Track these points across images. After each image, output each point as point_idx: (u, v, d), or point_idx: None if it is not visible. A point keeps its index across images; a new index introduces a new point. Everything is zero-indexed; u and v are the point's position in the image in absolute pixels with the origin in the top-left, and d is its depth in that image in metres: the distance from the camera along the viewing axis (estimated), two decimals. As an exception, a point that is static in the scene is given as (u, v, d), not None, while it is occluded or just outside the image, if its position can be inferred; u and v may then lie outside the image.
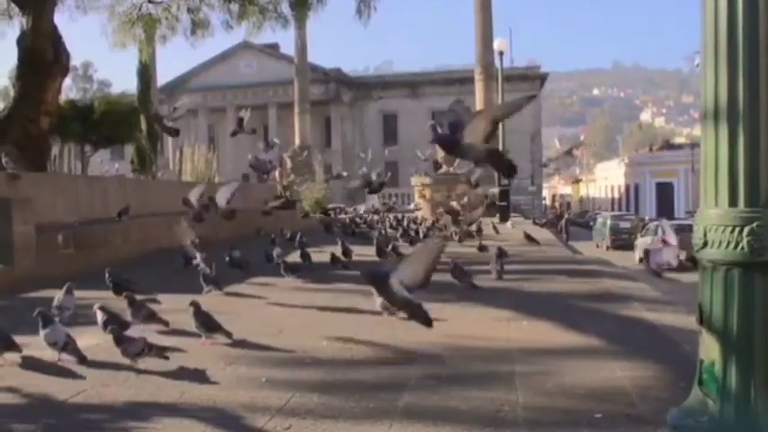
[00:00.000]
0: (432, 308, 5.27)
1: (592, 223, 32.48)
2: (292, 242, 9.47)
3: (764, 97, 2.24)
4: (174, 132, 8.22)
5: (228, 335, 4.11)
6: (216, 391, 3.22)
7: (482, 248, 8.46)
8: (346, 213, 19.68)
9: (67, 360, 3.70)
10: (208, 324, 4.10)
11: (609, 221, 29.73)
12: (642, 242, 22.48)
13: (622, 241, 26.34)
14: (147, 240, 9.60)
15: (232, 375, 3.51)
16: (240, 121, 9.17)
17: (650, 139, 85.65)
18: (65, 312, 4.53)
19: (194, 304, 4.20)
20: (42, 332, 3.73)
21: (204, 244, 6.69)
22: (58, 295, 4.65)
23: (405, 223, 14.45)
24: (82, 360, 3.70)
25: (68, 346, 3.69)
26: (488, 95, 26.31)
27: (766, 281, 2.25)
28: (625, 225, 28.91)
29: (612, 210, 45.47)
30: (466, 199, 14.19)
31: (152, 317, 4.48)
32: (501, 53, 20.15)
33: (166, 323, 4.50)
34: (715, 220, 2.31)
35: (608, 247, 24.17)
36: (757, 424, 2.24)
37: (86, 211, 9.22)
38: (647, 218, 31.38)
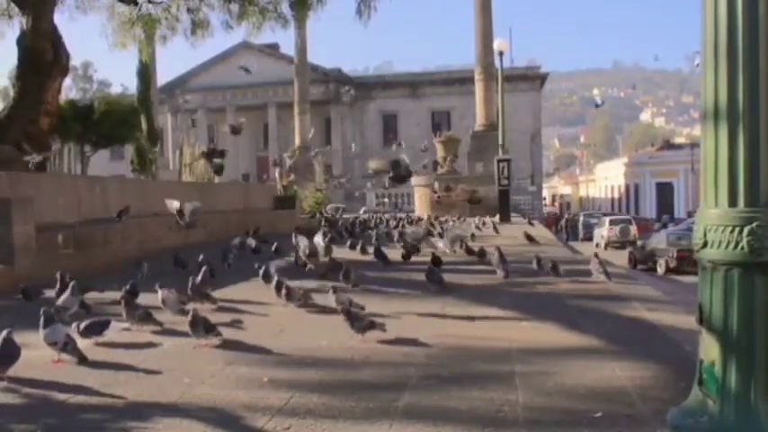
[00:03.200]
0: (432, 308, 5.32)
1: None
2: (257, 253, 8.81)
3: (764, 97, 2.24)
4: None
5: (218, 335, 4.11)
6: (216, 391, 3.22)
7: (481, 254, 8.44)
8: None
9: (67, 360, 3.70)
10: (203, 326, 4.10)
11: (581, 218, 37.36)
12: (597, 232, 31.90)
13: (591, 234, 33.35)
14: (146, 240, 9.60)
15: (232, 375, 3.51)
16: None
17: (650, 138, 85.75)
18: (64, 313, 4.53)
19: (191, 308, 4.23)
20: (42, 332, 3.73)
21: (203, 244, 6.69)
22: (63, 296, 4.67)
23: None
24: (82, 360, 3.70)
25: (68, 346, 3.69)
26: (488, 95, 26.36)
27: (766, 281, 2.25)
28: (594, 221, 35.71)
29: (612, 210, 47.89)
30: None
31: (148, 318, 4.51)
32: (501, 53, 20.13)
33: (160, 324, 4.52)
34: (715, 220, 2.31)
35: (581, 239, 31.35)
36: (757, 424, 2.24)
37: (86, 211, 9.22)
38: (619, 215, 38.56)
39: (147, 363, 3.73)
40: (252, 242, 9.32)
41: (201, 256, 6.80)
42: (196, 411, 2.94)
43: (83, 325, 4.04)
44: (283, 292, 5.30)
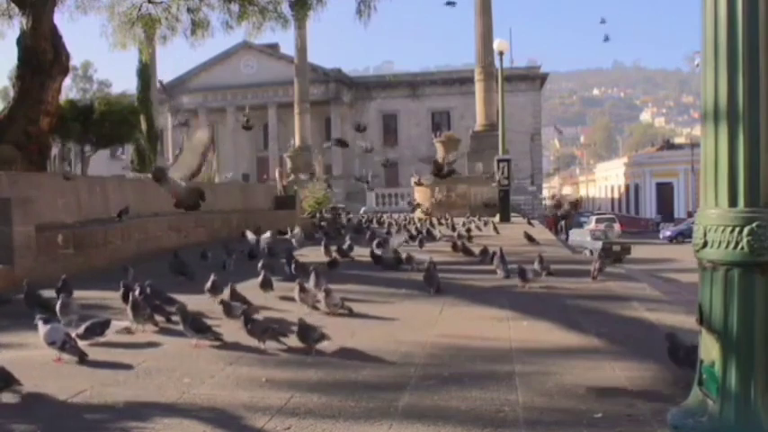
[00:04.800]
0: (433, 308, 5.32)
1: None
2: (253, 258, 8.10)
3: (764, 97, 2.24)
4: None
5: (217, 336, 4.10)
6: (216, 391, 3.22)
7: (483, 253, 8.43)
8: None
9: (67, 359, 3.70)
10: (196, 326, 4.09)
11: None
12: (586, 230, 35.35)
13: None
14: (147, 240, 9.60)
15: (232, 375, 3.51)
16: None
17: (650, 138, 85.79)
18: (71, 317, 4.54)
19: (180, 307, 4.21)
20: (42, 331, 3.73)
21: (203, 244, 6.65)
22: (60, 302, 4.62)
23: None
24: (82, 359, 3.70)
25: (67, 344, 3.69)
26: (488, 95, 26.36)
27: (766, 281, 2.25)
28: (584, 219, 39.27)
29: (612, 210, 50.18)
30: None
31: (150, 319, 4.55)
32: (501, 53, 20.12)
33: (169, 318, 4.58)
34: (715, 220, 2.31)
35: (572, 236, 38.04)
36: (757, 424, 2.24)
37: (86, 211, 9.22)
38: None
39: (147, 363, 3.73)
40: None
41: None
42: (196, 411, 2.94)
43: (83, 326, 4.04)
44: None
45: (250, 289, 5.61)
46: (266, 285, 5.71)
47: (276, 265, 6.86)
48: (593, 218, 38.05)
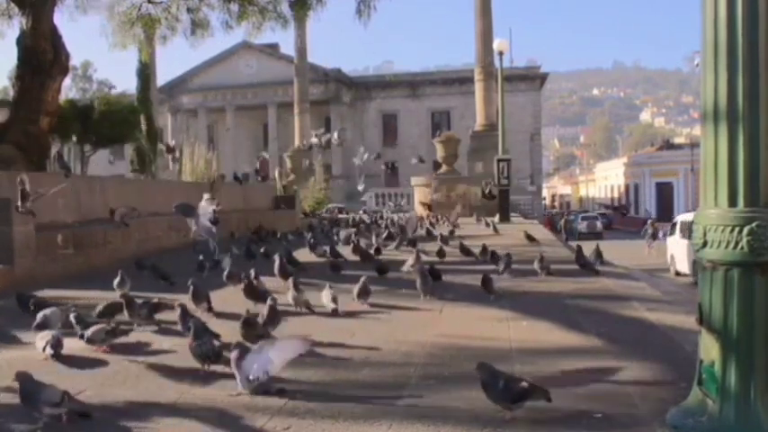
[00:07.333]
0: (433, 308, 5.32)
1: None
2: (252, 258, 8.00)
3: (764, 97, 2.24)
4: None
5: (216, 337, 4.07)
6: (216, 391, 3.22)
7: (483, 252, 8.42)
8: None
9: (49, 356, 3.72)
10: (193, 328, 4.07)
11: (565, 215, 45.53)
12: (575, 227, 38.74)
13: (572, 228, 39.33)
14: (147, 240, 9.60)
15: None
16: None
17: (650, 138, 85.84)
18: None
19: (181, 306, 4.20)
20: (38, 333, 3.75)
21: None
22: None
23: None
24: (57, 356, 3.71)
25: (53, 345, 3.69)
26: (488, 95, 26.33)
27: (766, 281, 2.25)
28: (572, 218, 42.25)
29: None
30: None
31: (149, 318, 4.57)
32: (501, 53, 20.09)
33: (158, 323, 4.58)
34: (715, 220, 2.31)
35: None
36: (757, 424, 2.24)
37: (86, 211, 9.22)
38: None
39: (146, 362, 3.73)
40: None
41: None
42: (196, 411, 2.94)
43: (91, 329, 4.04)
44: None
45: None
46: (257, 297, 5.26)
47: (246, 271, 6.27)
48: (580, 216, 42.62)
